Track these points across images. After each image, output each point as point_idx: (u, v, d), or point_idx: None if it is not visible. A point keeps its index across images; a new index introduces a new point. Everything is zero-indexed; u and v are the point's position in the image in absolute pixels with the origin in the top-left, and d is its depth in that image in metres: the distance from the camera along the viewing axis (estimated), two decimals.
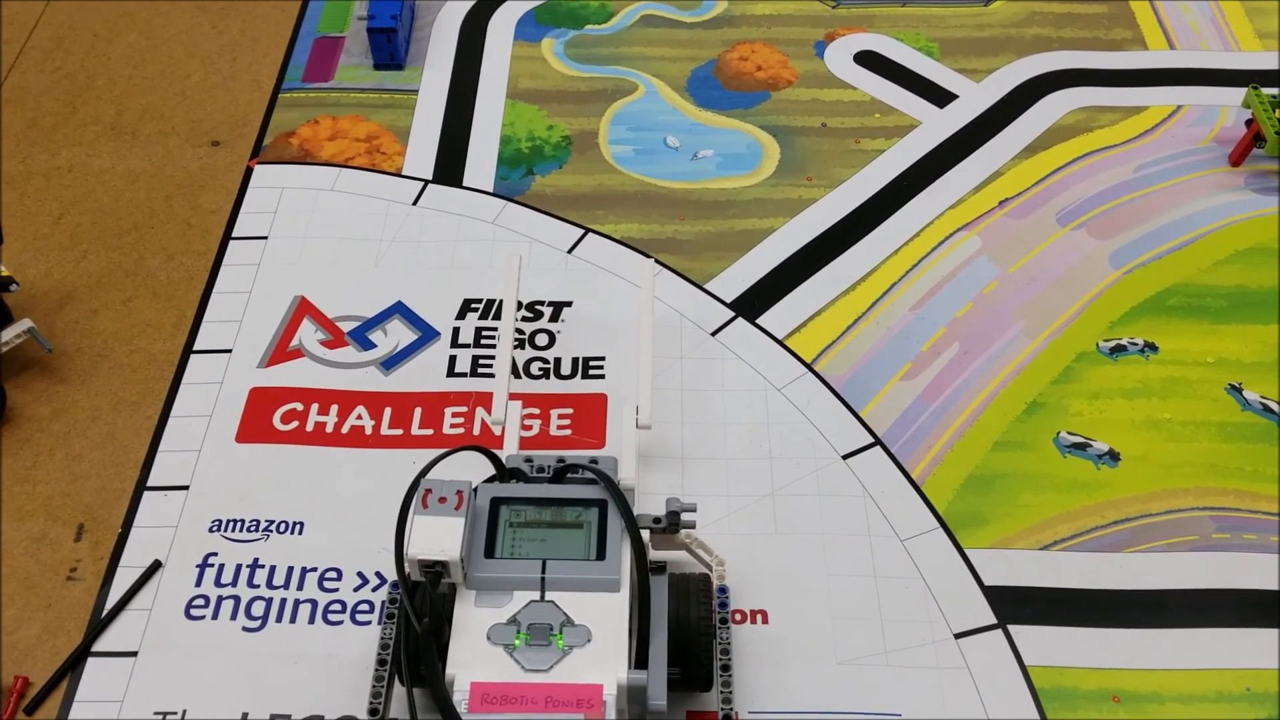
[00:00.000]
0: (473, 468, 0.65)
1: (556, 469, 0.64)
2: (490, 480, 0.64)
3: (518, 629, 0.56)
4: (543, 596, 0.57)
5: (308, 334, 0.85)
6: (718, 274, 0.90)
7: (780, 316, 0.87)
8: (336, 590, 0.71)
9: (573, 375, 0.83)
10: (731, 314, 0.87)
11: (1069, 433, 0.79)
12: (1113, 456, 0.78)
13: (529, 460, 0.65)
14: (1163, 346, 0.84)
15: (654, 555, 0.66)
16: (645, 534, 0.62)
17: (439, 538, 0.56)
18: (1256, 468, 0.77)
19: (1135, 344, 0.84)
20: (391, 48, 1.06)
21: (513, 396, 0.77)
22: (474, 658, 0.55)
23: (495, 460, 0.64)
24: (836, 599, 0.70)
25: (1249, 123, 0.96)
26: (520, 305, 0.87)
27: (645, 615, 0.58)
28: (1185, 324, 0.86)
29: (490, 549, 0.59)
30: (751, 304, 0.88)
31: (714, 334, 0.86)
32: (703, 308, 0.88)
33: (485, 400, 0.80)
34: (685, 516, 0.64)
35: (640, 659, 0.57)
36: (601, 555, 0.59)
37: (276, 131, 1.02)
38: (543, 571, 0.58)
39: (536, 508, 0.61)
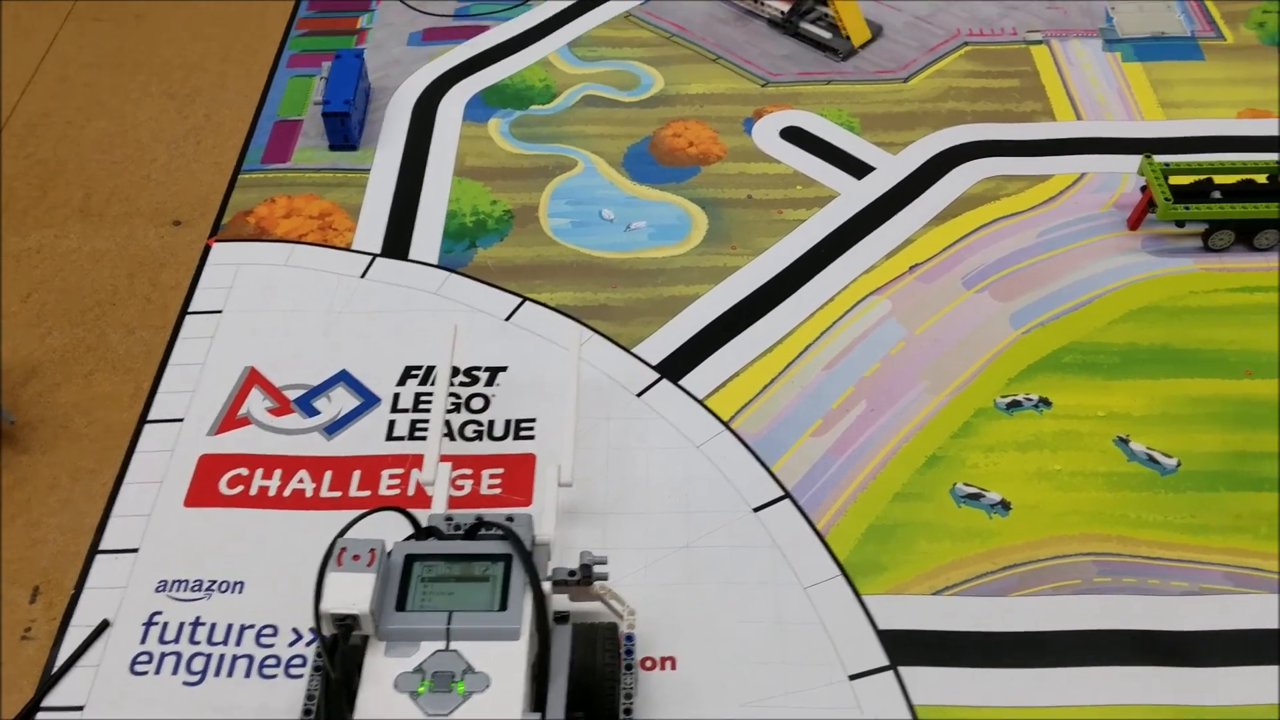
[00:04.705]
0: (396, 527, 0.70)
1: (469, 526, 0.69)
2: (409, 539, 0.69)
3: (423, 677, 0.61)
4: (448, 646, 0.62)
5: (255, 402, 0.91)
6: (645, 338, 0.96)
7: (702, 377, 0.92)
8: (272, 645, 0.76)
9: (505, 436, 0.88)
10: (656, 375, 0.93)
11: (965, 484, 0.84)
12: (1004, 506, 0.83)
13: (449, 519, 0.70)
14: (1056, 401, 0.90)
15: (564, 606, 0.71)
16: (550, 586, 0.67)
17: (351, 592, 0.61)
18: (1139, 514, 0.82)
19: (1030, 399, 0.90)
20: (345, 130, 1.13)
21: (446, 458, 0.82)
22: (380, 705, 0.60)
23: (412, 519, 0.70)
24: (743, 645, 0.75)
25: (1144, 189, 1.03)
26: (457, 371, 0.92)
27: (544, 661, 0.62)
28: (1079, 380, 0.91)
29: (402, 602, 0.64)
30: (676, 366, 0.93)
31: (639, 395, 0.91)
32: (630, 370, 0.93)
33: (420, 462, 0.86)
34: (597, 569, 0.69)
35: (538, 703, 0.62)
36: (504, 606, 0.63)
37: (235, 210, 1.08)
38: (449, 622, 0.63)
39: (447, 563, 0.66)
